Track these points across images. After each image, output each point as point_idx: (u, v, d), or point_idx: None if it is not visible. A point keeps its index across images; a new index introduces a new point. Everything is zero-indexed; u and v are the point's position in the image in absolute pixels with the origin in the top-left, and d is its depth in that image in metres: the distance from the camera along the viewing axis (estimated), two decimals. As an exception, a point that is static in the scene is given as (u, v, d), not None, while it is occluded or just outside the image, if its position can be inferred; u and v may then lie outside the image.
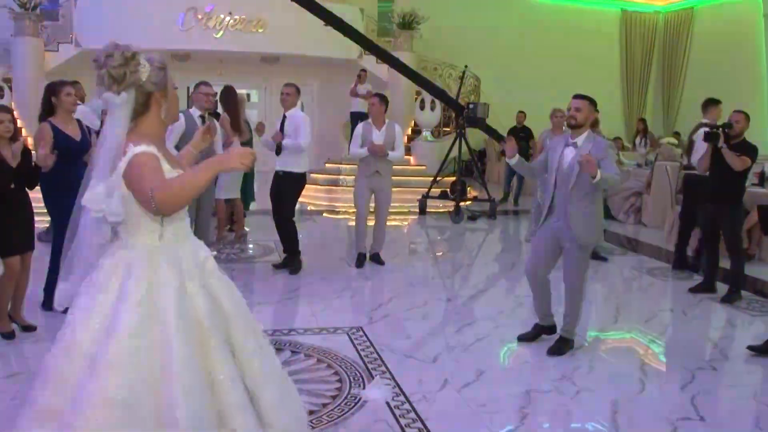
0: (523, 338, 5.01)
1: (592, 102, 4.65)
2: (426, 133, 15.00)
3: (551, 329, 5.02)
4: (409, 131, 15.97)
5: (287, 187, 6.80)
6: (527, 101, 14.14)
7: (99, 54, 2.35)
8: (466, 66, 12.79)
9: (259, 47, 14.52)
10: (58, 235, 5.02)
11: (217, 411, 2.37)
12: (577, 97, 4.65)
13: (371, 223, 7.31)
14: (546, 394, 4.06)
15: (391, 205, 7.43)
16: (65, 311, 2.45)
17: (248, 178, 8.72)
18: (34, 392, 2.39)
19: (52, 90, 5.07)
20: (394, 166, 7.29)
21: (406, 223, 10.77)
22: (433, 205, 11.48)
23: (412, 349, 4.78)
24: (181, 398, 2.24)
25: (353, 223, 7.64)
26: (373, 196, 7.15)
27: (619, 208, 10.71)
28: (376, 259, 7.31)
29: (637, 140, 13.34)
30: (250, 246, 8.26)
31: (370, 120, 7.11)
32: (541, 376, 4.37)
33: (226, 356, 2.44)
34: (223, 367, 2.41)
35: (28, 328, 4.80)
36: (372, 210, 7.25)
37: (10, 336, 4.67)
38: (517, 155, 4.88)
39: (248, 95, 10.75)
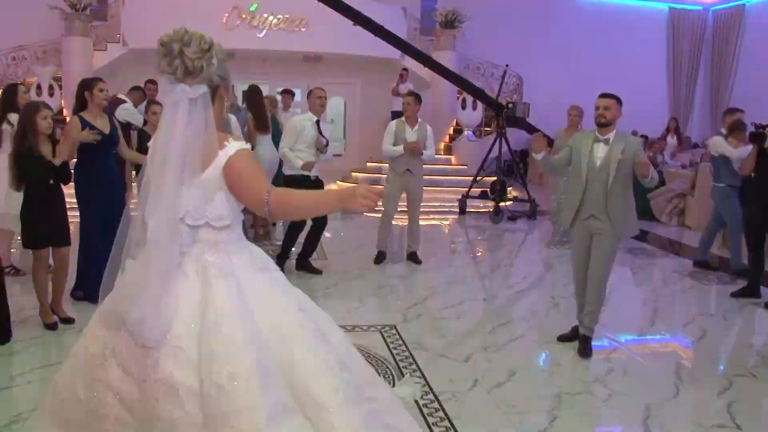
0: (563, 338, 5.01)
1: (619, 100, 4.69)
2: (467, 133, 14.95)
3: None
4: (451, 130, 15.95)
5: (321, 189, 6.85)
6: (575, 100, 13.95)
7: (172, 42, 2.18)
8: (507, 65, 12.70)
9: (302, 46, 14.68)
10: (86, 225, 5.18)
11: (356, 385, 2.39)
12: (604, 96, 4.70)
13: (397, 222, 7.39)
14: (577, 396, 4.03)
15: (432, 204, 7.48)
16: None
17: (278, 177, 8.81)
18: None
19: (87, 85, 5.22)
20: (435, 166, 7.33)
21: (445, 222, 10.76)
22: (473, 205, 11.44)
23: (445, 348, 4.79)
24: (329, 379, 2.27)
25: (395, 223, 7.67)
26: (404, 195, 7.21)
27: (661, 210, 10.53)
28: (413, 258, 7.34)
29: (668, 138, 13.25)
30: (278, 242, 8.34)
31: (403, 118, 7.13)
32: (573, 378, 4.34)
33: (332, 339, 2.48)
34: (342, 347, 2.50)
35: (68, 321, 4.94)
36: (403, 210, 7.33)
37: (53, 327, 4.83)
38: (544, 152, 4.89)
39: (292, 93, 10.83)
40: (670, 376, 4.41)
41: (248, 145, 2.30)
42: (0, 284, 4.52)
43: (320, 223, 6.80)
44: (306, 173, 6.52)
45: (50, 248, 4.85)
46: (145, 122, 6.24)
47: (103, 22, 14.60)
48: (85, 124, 5.08)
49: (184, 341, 2.16)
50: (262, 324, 2.25)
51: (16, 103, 5.68)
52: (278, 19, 14.39)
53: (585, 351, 4.71)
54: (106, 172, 5.27)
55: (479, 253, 8.76)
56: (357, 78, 16.48)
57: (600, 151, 4.63)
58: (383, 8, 14.28)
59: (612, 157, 4.55)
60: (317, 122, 6.60)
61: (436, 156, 15.04)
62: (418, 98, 7.17)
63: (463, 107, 14.68)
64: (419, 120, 7.17)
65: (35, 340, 4.67)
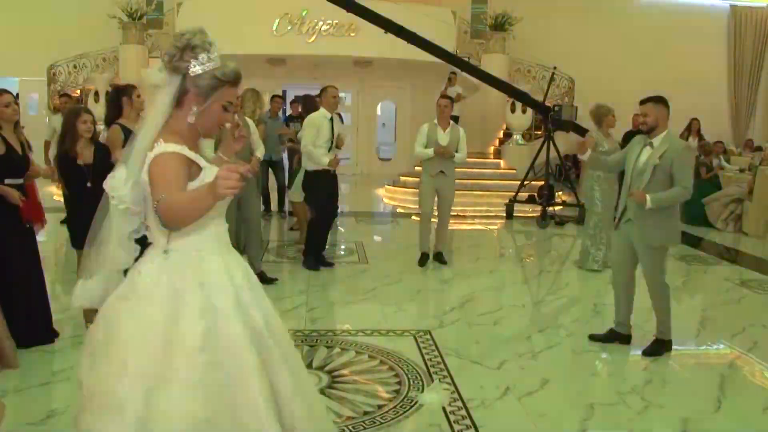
0: (595, 338, 4.97)
1: (659, 101, 4.60)
2: (516, 136, 14.78)
3: (626, 339, 4.92)
4: (501, 134, 15.79)
5: (337, 185, 7.12)
6: (630, 103, 13.64)
7: (179, 32, 2.29)
8: (554, 67, 12.50)
9: (352, 51, 14.77)
10: None
11: (281, 426, 2.24)
12: (642, 102, 4.65)
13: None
14: (611, 407, 3.91)
15: (479, 209, 7.46)
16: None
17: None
18: (86, 419, 2.21)
19: (124, 92, 5.32)
20: (484, 170, 7.35)
21: (492, 227, 10.65)
22: (521, 210, 11.28)
23: (478, 354, 4.72)
24: (264, 413, 2.15)
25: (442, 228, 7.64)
26: (437, 196, 7.27)
27: (717, 216, 10.18)
28: (439, 258, 7.37)
29: (689, 140, 12.25)
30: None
31: (435, 121, 7.14)
32: (608, 388, 4.23)
33: (287, 369, 2.32)
34: (287, 381, 2.30)
35: None
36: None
37: (94, 326, 4.95)
38: (589, 150, 4.92)
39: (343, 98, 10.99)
40: (712, 389, 4.24)
41: (176, 148, 2.18)
42: (41, 285, 4.67)
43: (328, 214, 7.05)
44: (329, 168, 6.78)
45: None
46: None
47: (158, 30, 15.01)
48: (126, 132, 5.20)
49: (96, 329, 2.27)
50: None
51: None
52: (328, 24, 14.51)
53: (655, 352, 4.72)
54: None
55: (523, 259, 8.64)
56: (407, 82, 16.51)
57: (645, 154, 4.60)
58: (433, 12, 14.26)
59: (651, 161, 4.50)
60: (331, 119, 6.79)
61: (485, 160, 15.03)
62: (452, 101, 7.28)
63: (512, 110, 14.51)
64: (451, 123, 7.21)
65: (77, 339, 4.80)
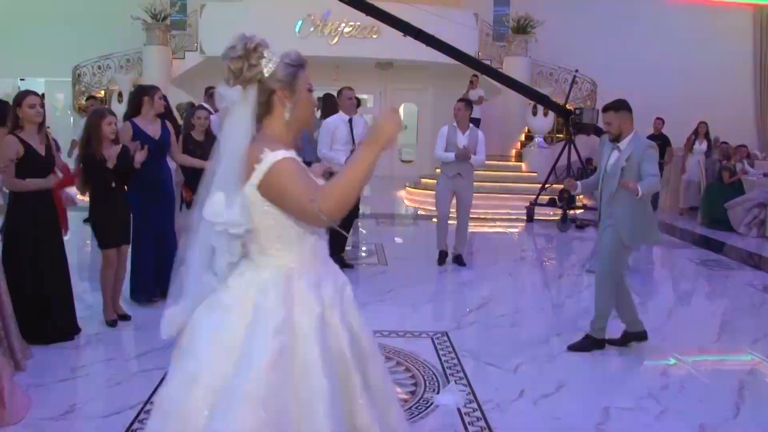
0: (612, 342, 4.93)
1: (619, 108, 4.70)
2: (538, 139, 14.71)
3: (641, 336, 4.92)
4: (522, 137, 15.74)
5: None
6: (653, 106, 13.55)
7: (228, 46, 2.15)
8: (576, 70, 12.43)
9: (374, 53, 14.81)
10: (137, 230, 5.31)
11: None
12: (604, 110, 4.81)
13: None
14: (627, 412, 3.88)
15: (500, 211, 7.47)
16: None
17: None
18: (153, 422, 2.18)
19: (146, 92, 5.42)
20: (505, 173, 7.36)
21: (512, 230, 10.62)
22: (542, 213, 11.23)
23: (495, 356, 4.71)
24: None
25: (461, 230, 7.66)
26: (455, 198, 7.30)
27: (740, 221, 10.06)
28: (459, 260, 7.40)
29: (697, 144, 12.15)
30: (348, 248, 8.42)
31: (455, 123, 7.20)
32: (624, 392, 4.19)
33: (367, 398, 2.18)
34: (366, 411, 2.16)
35: (124, 318, 5.16)
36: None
37: (113, 324, 5.04)
38: (579, 183, 5.03)
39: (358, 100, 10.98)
40: (731, 395, 4.19)
41: (285, 153, 2.05)
42: (66, 283, 4.76)
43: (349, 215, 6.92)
44: None
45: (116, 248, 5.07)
46: (192, 126, 6.42)
47: (181, 31, 15.18)
48: (136, 130, 5.28)
49: (184, 359, 2.14)
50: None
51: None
52: (350, 26, 14.57)
53: (580, 347, 4.80)
54: (154, 178, 5.43)
55: (543, 262, 8.60)
56: (429, 84, 16.50)
57: (613, 157, 4.73)
58: (455, 15, 14.25)
59: (618, 164, 4.64)
60: (350, 121, 6.85)
61: (507, 163, 14.98)
62: (468, 104, 7.33)
63: (534, 114, 14.45)
64: (470, 125, 7.27)
65: (97, 336, 4.88)
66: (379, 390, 2.25)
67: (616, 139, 4.70)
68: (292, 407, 2.02)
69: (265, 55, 2.11)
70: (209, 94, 8.61)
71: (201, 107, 6.73)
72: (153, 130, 5.44)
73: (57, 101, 15.69)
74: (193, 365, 2.08)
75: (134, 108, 5.44)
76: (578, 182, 5.04)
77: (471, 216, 7.56)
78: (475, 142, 7.14)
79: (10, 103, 4.72)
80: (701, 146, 12.07)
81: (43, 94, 4.63)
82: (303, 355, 2.06)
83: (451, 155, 7.04)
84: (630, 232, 4.67)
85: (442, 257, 7.40)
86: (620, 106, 4.72)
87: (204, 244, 2.18)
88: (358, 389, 2.16)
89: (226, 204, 2.09)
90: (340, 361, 2.13)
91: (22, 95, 4.50)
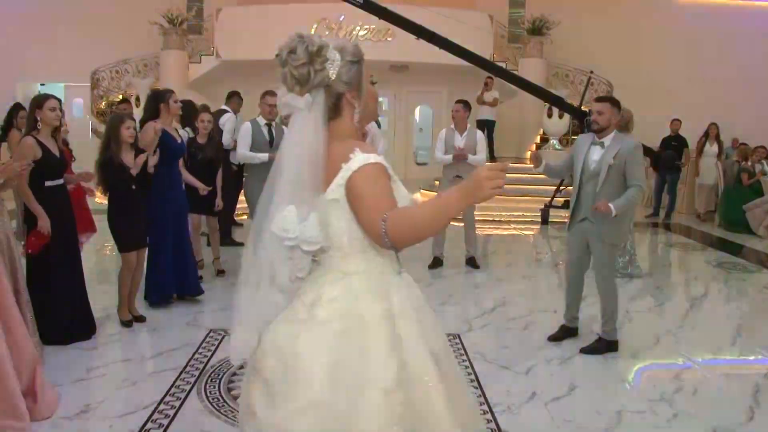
0: (552, 338, 5.12)
1: (615, 104, 4.70)
2: (553, 141, 14.65)
3: (575, 332, 5.15)
4: (538, 139, 15.68)
5: None
6: (671, 107, 13.46)
7: (282, 50, 2.01)
8: (591, 71, 12.37)
9: (389, 55, 14.80)
10: (154, 233, 5.35)
11: None
12: (598, 100, 4.82)
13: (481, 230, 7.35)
14: (638, 415, 3.87)
15: (514, 213, 7.41)
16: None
17: None
18: None
19: (161, 97, 5.48)
20: (521, 175, 7.33)
21: (526, 232, 10.58)
22: (556, 215, 11.19)
23: (507, 359, 4.71)
24: None
25: (476, 231, 7.66)
26: None
27: (758, 223, 9.97)
28: (472, 263, 7.41)
29: (707, 146, 11.89)
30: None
31: (453, 125, 7.21)
32: (637, 396, 4.17)
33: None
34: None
35: (139, 319, 5.21)
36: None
37: (128, 324, 5.09)
38: (544, 162, 4.93)
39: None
40: (745, 399, 4.16)
41: (377, 158, 1.95)
42: (82, 284, 4.82)
43: None
44: None
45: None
46: (196, 130, 6.48)
47: (198, 35, 15.31)
48: (164, 133, 5.33)
49: (272, 374, 1.99)
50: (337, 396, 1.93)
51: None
52: (365, 29, 14.60)
53: (594, 350, 4.83)
54: (171, 181, 5.49)
55: (557, 264, 8.55)
56: (443, 86, 16.48)
57: (595, 153, 4.67)
58: (468, 16, 14.23)
59: (605, 161, 4.57)
60: (267, 125, 6.51)
61: (522, 165, 14.91)
62: (466, 105, 7.29)
63: (549, 116, 14.37)
64: (468, 126, 7.26)
65: (113, 337, 4.94)
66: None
67: (599, 132, 4.68)
68: (419, 421, 1.94)
69: (329, 56, 1.99)
70: (228, 96, 8.67)
71: (205, 110, 6.76)
72: (173, 132, 5.52)
73: (76, 105, 15.85)
74: (309, 392, 1.90)
75: (152, 112, 5.49)
76: (544, 161, 4.89)
77: (485, 219, 7.54)
78: (474, 143, 7.13)
79: (18, 103, 4.77)
80: (712, 149, 11.82)
81: (60, 100, 4.69)
82: (415, 365, 1.96)
83: (449, 157, 7.06)
84: (615, 231, 4.71)
85: (436, 263, 7.37)
86: (615, 102, 4.73)
87: (268, 260, 2.03)
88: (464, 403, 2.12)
89: (298, 217, 1.97)
90: (439, 362, 2.02)
91: (43, 98, 4.56)
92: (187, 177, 5.93)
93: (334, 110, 2.03)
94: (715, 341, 5.32)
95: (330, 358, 1.92)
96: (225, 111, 8.32)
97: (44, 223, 4.42)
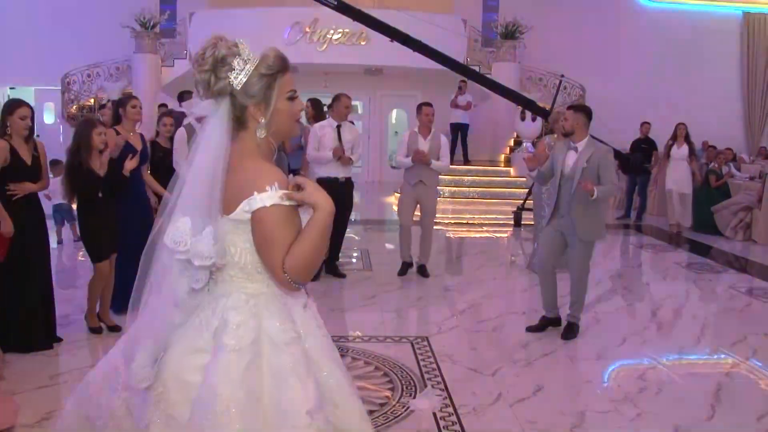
0: (531, 329, 5.36)
1: (578, 110, 5.16)
2: (527, 144, 14.75)
3: (557, 321, 5.37)
4: (512, 142, 15.80)
5: (351, 192, 6.90)
6: (641, 111, 13.64)
7: (197, 53, 1.95)
8: (562, 75, 12.50)
9: (363, 60, 14.86)
10: (122, 240, 5.27)
11: None
12: (568, 108, 5.39)
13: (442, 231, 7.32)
14: (603, 415, 3.90)
15: (487, 216, 7.36)
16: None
17: None
18: None
19: (121, 103, 5.46)
20: (495, 178, 7.23)
21: (499, 235, 10.64)
22: (529, 218, 11.22)
23: (474, 361, 4.73)
24: None
25: (449, 234, 7.63)
26: (419, 206, 7.07)
27: (726, 224, 10.11)
28: (422, 271, 7.12)
29: (674, 149, 10.59)
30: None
31: (416, 129, 7.04)
32: (601, 396, 4.21)
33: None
34: None
35: (114, 329, 5.09)
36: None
37: (98, 330, 5.03)
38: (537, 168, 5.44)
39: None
40: (707, 397, 4.21)
41: (285, 202, 1.87)
42: (50, 292, 4.76)
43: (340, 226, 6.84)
44: (334, 175, 6.61)
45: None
46: (158, 134, 6.44)
47: (170, 39, 15.22)
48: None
49: (178, 409, 1.88)
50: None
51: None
52: (339, 33, 14.61)
53: (569, 334, 5.18)
54: (135, 189, 5.44)
55: (528, 267, 8.60)
56: (417, 90, 16.52)
57: (570, 158, 5.04)
58: (442, 20, 14.31)
59: (578, 165, 4.94)
60: (338, 127, 6.67)
61: (495, 168, 15.04)
62: (431, 107, 7.04)
63: (522, 119, 14.49)
64: (433, 130, 7.01)
65: (79, 343, 4.88)
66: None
67: (568, 135, 5.17)
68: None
69: (235, 66, 1.90)
70: (180, 97, 8.58)
71: (169, 113, 6.70)
72: (134, 140, 5.46)
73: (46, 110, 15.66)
74: (230, 425, 1.80)
75: (113, 118, 5.47)
76: (596, 188, 4.90)
77: (459, 222, 7.49)
78: (438, 147, 6.91)
79: None
80: (680, 151, 10.55)
81: (32, 108, 4.61)
82: (330, 384, 1.96)
83: (409, 160, 6.80)
84: (590, 229, 5.04)
85: (404, 268, 7.14)
86: (579, 108, 5.25)
87: (163, 273, 1.95)
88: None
89: (191, 231, 1.87)
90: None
91: (15, 104, 4.50)
92: (151, 183, 5.82)
93: (239, 122, 1.94)
94: (680, 341, 5.39)
95: (245, 389, 1.83)
96: (171, 113, 8.20)
97: (6, 227, 4.35)
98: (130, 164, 5.05)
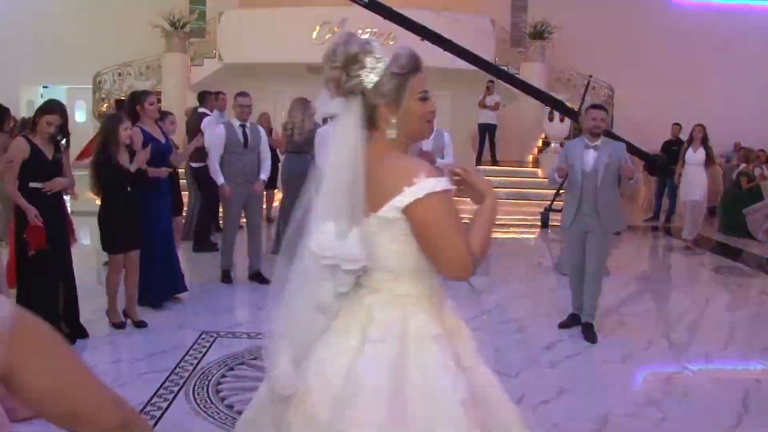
0: (561, 325, 5.46)
1: (605, 110, 5.52)
2: (554, 145, 14.64)
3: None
4: (539, 143, 15.69)
5: None
6: (672, 111, 13.44)
7: (328, 48, 1.90)
8: (590, 76, 12.38)
9: (391, 59, 14.82)
10: (146, 234, 5.33)
11: None
12: (601, 108, 5.46)
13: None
14: (626, 419, 3.86)
15: (515, 217, 7.29)
16: None
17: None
18: None
19: (137, 99, 5.53)
20: (522, 179, 7.15)
21: (526, 236, 10.58)
22: (556, 219, 11.15)
23: (497, 362, 4.61)
24: None
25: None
26: None
27: (758, 227, 9.93)
28: None
29: (690, 151, 9.52)
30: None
31: None
32: (625, 399, 4.16)
33: None
34: None
35: (140, 324, 5.16)
36: None
37: (121, 326, 5.10)
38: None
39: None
40: (734, 404, 4.13)
41: (445, 184, 1.83)
42: (73, 288, 4.83)
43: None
44: None
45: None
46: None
47: (200, 38, 15.37)
48: (146, 135, 5.36)
49: (319, 409, 1.82)
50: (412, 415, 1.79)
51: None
52: (367, 32, 14.61)
53: (590, 336, 5.19)
54: (155, 184, 5.49)
55: (555, 268, 8.54)
56: (446, 90, 16.44)
57: (590, 156, 5.22)
58: (470, 19, 14.26)
59: (600, 161, 5.16)
60: (242, 126, 6.54)
61: (523, 169, 14.93)
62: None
63: (550, 119, 14.37)
64: (435, 129, 6.92)
65: (104, 339, 4.95)
66: None
67: (596, 136, 5.25)
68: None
69: (367, 64, 1.84)
70: (202, 96, 8.66)
71: (170, 113, 6.90)
72: (156, 134, 5.56)
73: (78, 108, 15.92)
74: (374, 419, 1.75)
75: (132, 115, 5.51)
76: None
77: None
78: (441, 146, 6.76)
79: (8, 108, 4.76)
80: (696, 155, 9.40)
81: (65, 114, 4.67)
82: (478, 382, 1.90)
83: None
84: (614, 219, 5.32)
85: None
86: (604, 108, 5.52)
87: (308, 278, 1.90)
88: None
89: (336, 234, 1.84)
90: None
91: (49, 110, 4.55)
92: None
93: (371, 123, 1.88)
94: (707, 346, 5.30)
95: (393, 379, 1.77)
96: (205, 114, 8.31)
97: (32, 215, 4.43)
98: (142, 156, 5.08)
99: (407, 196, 1.78)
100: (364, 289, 1.91)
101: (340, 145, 1.87)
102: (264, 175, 6.56)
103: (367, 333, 1.84)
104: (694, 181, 9.30)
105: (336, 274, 1.87)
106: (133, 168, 4.95)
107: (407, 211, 1.80)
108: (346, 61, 1.83)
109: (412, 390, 1.78)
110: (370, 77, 1.84)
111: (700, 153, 9.33)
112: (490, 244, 1.93)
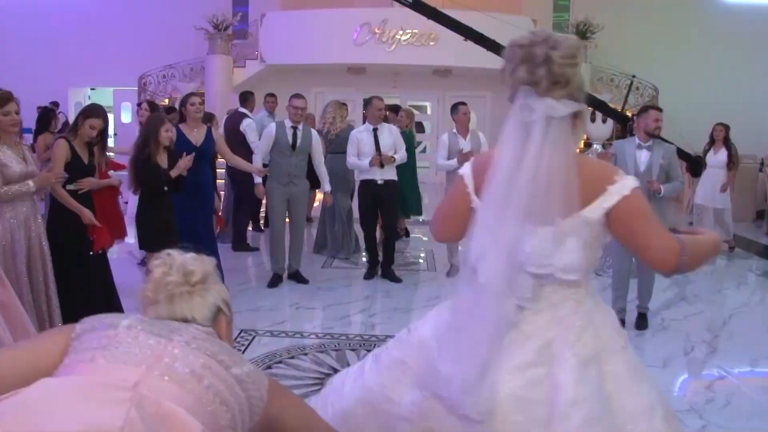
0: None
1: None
2: (596, 146, 14.44)
3: (622, 323, 5.31)
4: (581, 144, 15.49)
5: (392, 194, 6.83)
6: (718, 112, 13.13)
7: (534, 44, 1.78)
8: (633, 76, 12.19)
9: (432, 60, 14.83)
10: (186, 231, 5.41)
11: None
12: (658, 109, 5.48)
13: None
14: (666, 425, 3.79)
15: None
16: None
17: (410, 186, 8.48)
18: None
19: (182, 101, 5.70)
20: None
21: (566, 237, 10.44)
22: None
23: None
24: None
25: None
26: None
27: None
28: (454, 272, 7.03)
29: (710, 154, 8.99)
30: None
31: (455, 130, 6.93)
32: (665, 406, 4.09)
33: None
34: None
35: None
36: None
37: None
38: (662, 188, 5.43)
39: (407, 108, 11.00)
40: (780, 411, 4.05)
41: (636, 181, 1.84)
42: (110, 287, 4.94)
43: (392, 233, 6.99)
44: (371, 177, 6.68)
45: None
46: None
47: (242, 40, 15.60)
48: (179, 136, 5.47)
49: (520, 429, 1.76)
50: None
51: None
52: (408, 33, 14.64)
53: (642, 324, 5.50)
54: (195, 184, 5.58)
55: (596, 271, 8.43)
56: (487, 91, 16.40)
57: (643, 156, 5.33)
58: (513, 20, 14.14)
59: (653, 161, 5.29)
60: (374, 130, 6.68)
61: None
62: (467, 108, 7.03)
63: (593, 120, 14.16)
64: (471, 129, 6.97)
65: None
66: None
67: (653, 137, 5.34)
68: None
69: (579, 62, 1.80)
70: (243, 97, 8.77)
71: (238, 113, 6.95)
72: (195, 136, 5.66)
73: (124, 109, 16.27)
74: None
75: (180, 115, 5.73)
76: (662, 186, 5.31)
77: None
78: (479, 146, 6.78)
79: (54, 109, 4.87)
80: (717, 156, 8.84)
81: (106, 117, 4.77)
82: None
83: (454, 162, 6.52)
84: (665, 220, 5.20)
85: (452, 270, 7.05)
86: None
87: (494, 292, 1.81)
88: None
89: (554, 241, 1.78)
90: None
91: (93, 113, 4.62)
92: (243, 164, 6.27)
93: (572, 123, 1.81)
94: (752, 352, 5.17)
95: (595, 394, 1.76)
96: (244, 115, 8.40)
97: (86, 215, 4.53)
98: (183, 163, 5.16)
99: (613, 194, 1.78)
100: (542, 302, 1.85)
101: (556, 149, 1.74)
102: (327, 185, 6.70)
103: (563, 348, 1.80)
104: (715, 185, 8.78)
105: (523, 284, 1.81)
106: (173, 173, 5.06)
107: (615, 208, 1.78)
108: (571, 57, 1.76)
109: (611, 404, 1.78)
110: (580, 75, 1.81)
111: (722, 154, 8.82)
112: (700, 264, 1.87)
